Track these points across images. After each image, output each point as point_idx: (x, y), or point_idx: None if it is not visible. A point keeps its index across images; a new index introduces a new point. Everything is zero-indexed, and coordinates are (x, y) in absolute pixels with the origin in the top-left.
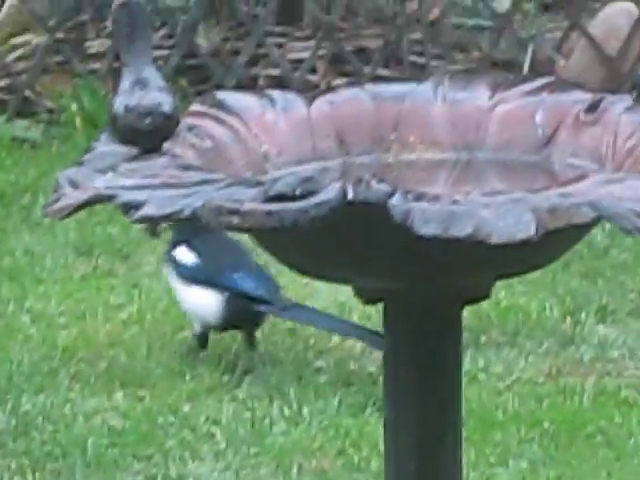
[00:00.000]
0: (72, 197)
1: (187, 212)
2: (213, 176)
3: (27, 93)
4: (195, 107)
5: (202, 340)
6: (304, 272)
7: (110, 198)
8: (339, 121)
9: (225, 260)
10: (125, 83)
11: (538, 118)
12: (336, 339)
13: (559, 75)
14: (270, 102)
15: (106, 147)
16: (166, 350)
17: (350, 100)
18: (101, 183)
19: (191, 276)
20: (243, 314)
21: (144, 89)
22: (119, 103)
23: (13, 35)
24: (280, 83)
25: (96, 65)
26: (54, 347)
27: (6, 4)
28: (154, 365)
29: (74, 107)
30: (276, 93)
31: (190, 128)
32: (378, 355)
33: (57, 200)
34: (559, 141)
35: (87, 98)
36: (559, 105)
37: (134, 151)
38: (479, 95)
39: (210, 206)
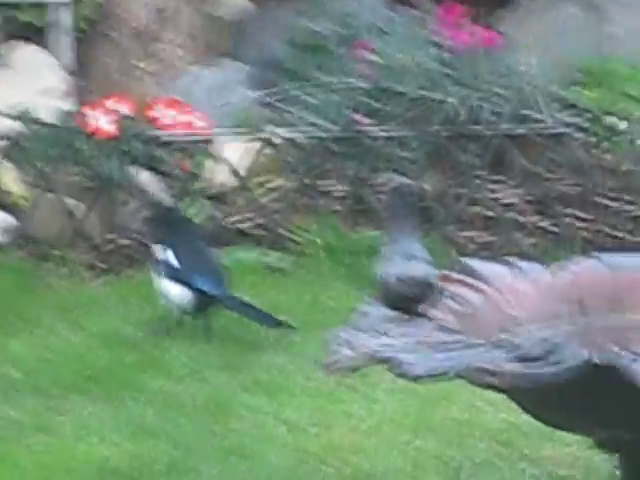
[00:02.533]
0: (348, 358)
1: (451, 373)
2: (473, 340)
3: (279, 229)
4: (450, 274)
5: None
6: (547, 423)
7: (383, 360)
8: (580, 288)
9: (192, 262)
10: (393, 255)
11: None
12: (548, 449)
13: None
14: (519, 271)
15: (376, 311)
16: (402, 457)
17: (590, 269)
18: (374, 345)
19: (167, 273)
20: (202, 305)
21: (411, 261)
22: (388, 273)
23: (268, 180)
24: (492, 223)
25: (337, 206)
26: (307, 453)
27: (256, 153)
28: (393, 472)
29: (319, 241)
30: (524, 264)
31: (449, 294)
32: (583, 462)
33: (335, 360)
34: None
35: (329, 234)
36: None
37: (401, 315)
38: None
39: (472, 368)
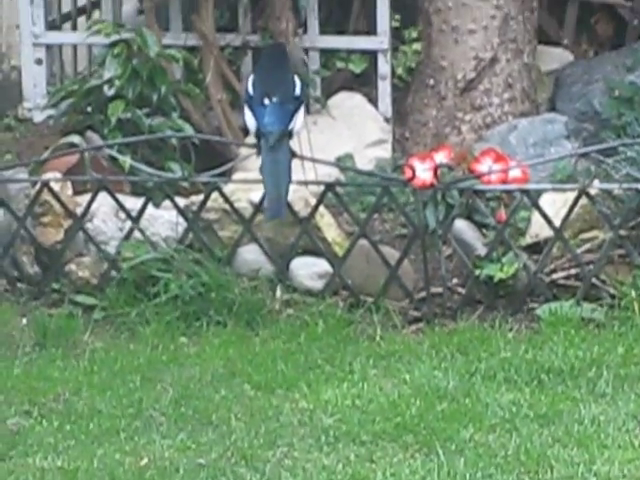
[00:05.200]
0: None
1: None
2: None
3: (593, 280)
4: None
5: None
6: None
7: None
8: None
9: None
10: None
11: None
12: None
13: None
14: None
15: None
16: None
17: None
18: None
19: (246, 100)
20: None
21: None
22: None
23: (583, 231)
24: None
25: None
26: None
27: (572, 204)
28: None
29: (633, 294)
30: None
31: None
32: None
33: None
34: None
35: None
36: None
37: None
38: None
39: None
